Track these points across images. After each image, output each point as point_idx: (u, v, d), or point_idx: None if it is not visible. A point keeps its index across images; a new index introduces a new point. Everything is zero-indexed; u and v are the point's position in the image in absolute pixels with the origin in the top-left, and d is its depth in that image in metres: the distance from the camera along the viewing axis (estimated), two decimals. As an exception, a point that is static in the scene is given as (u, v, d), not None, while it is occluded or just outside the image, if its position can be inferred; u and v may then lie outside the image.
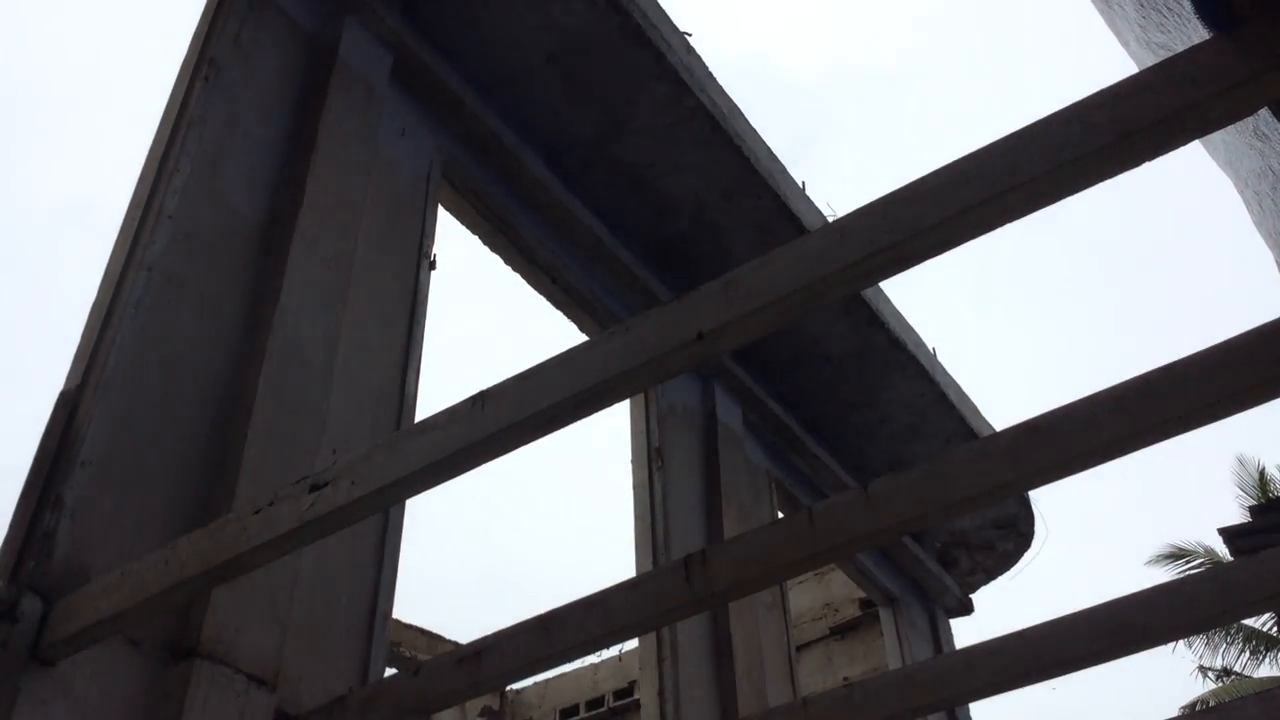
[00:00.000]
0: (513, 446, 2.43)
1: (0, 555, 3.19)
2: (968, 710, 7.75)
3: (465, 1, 5.55)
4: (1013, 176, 2.01)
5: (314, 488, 2.71)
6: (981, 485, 2.52)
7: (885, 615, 8.57)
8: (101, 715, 3.14)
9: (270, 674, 3.56)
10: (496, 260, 5.91)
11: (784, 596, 7.20)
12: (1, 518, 3.33)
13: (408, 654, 10.25)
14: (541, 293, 6.15)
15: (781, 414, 7.59)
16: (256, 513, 2.82)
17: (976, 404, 8.30)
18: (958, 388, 8.08)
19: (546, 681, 12.43)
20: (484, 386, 2.55)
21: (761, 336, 2.24)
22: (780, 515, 7.41)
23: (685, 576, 2.93)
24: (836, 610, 10.82)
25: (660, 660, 5.77)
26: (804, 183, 6.89)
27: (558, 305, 6.27)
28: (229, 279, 4.10)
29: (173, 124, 4.20)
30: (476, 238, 5.79)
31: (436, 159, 5.45)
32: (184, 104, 4.25)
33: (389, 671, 4.10)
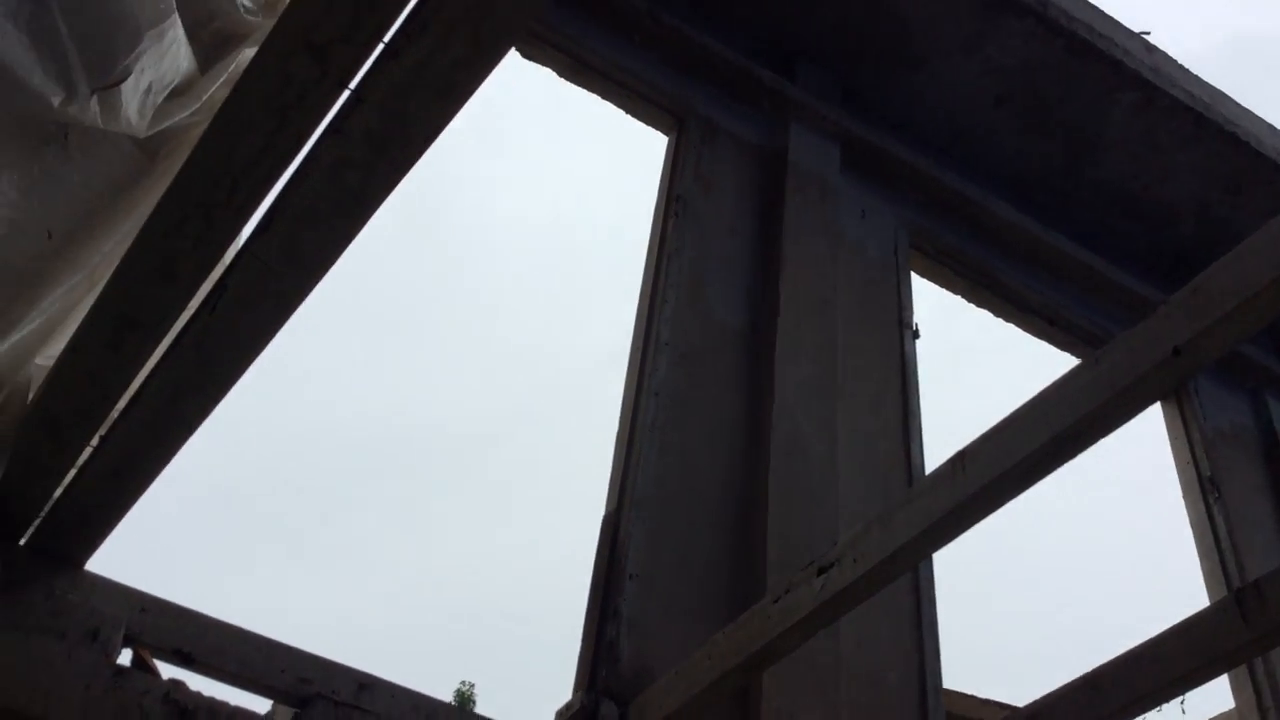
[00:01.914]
0: (998, 504, 2.35)
1: (576, 668, 3.64)
2: None
3: (901, 73, 5.62)
4: None
5: (821, 570, 2.80)
6: None
7: None
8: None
9: (835, 756, 3.66)
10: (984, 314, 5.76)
11: None
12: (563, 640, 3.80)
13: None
14: (1040, 337, 5.86)
15: (1367, 412, 6.48)
16: (776, 601, 2.97)
17: None
18: None
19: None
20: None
21: (1248, 337, 2.00)
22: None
23: (1240, 613, 2.62)
24: None
25: (1263, 711, 5.07)
26: (1328, 150, 5.99)
27: (1061, 346, 5.93)
28: (726, 389, 4.42)
29: (655, 262, 4.67)
30: (958, 296, 5.69)
31: (901, 231, 5.49)
32: (661, 242, 4.72)
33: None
